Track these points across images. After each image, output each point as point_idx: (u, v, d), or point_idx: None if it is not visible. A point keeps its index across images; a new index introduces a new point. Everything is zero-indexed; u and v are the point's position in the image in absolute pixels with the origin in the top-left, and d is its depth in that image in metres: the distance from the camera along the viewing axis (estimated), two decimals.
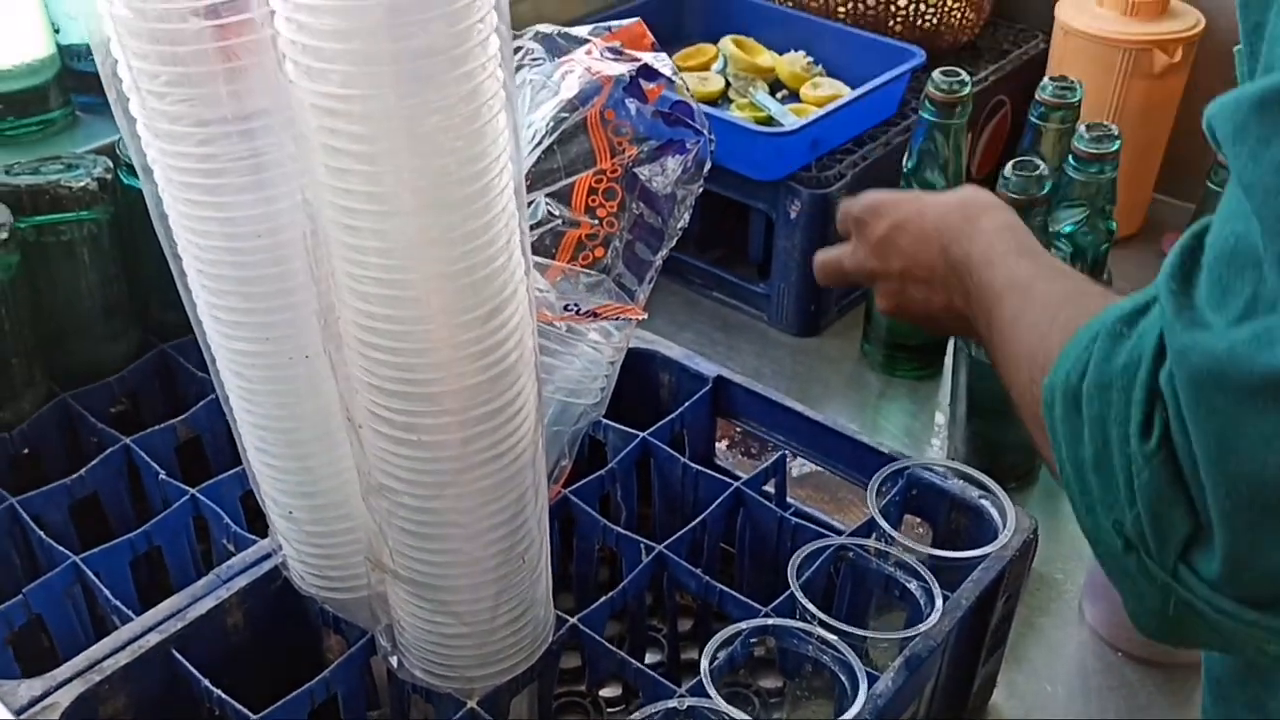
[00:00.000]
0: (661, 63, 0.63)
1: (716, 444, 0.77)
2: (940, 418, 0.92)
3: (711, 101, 1.03)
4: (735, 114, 0.99)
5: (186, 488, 0.67)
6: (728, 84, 1.05)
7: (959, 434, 0.85)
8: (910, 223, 0.62)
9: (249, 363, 0.51)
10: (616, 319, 0.61)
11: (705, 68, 1.06)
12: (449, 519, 0.49)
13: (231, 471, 0.67)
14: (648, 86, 0.63)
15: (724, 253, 1.06)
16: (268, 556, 0.61)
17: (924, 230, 0.61)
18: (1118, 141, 0.78)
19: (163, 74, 0.44)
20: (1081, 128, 0.79)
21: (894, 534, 0.62)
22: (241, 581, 0.60)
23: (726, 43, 1.06)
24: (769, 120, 0.99)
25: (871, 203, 0.65)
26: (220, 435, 0.72)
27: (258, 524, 0.62)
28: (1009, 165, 0.74)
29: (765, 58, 1.05)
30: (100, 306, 0.74)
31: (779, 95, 1.04)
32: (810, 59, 1.05)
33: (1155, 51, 0.98)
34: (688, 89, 0.63)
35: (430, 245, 0.43)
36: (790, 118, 0.97)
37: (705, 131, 0.63)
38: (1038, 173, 0.73)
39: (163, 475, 0.68)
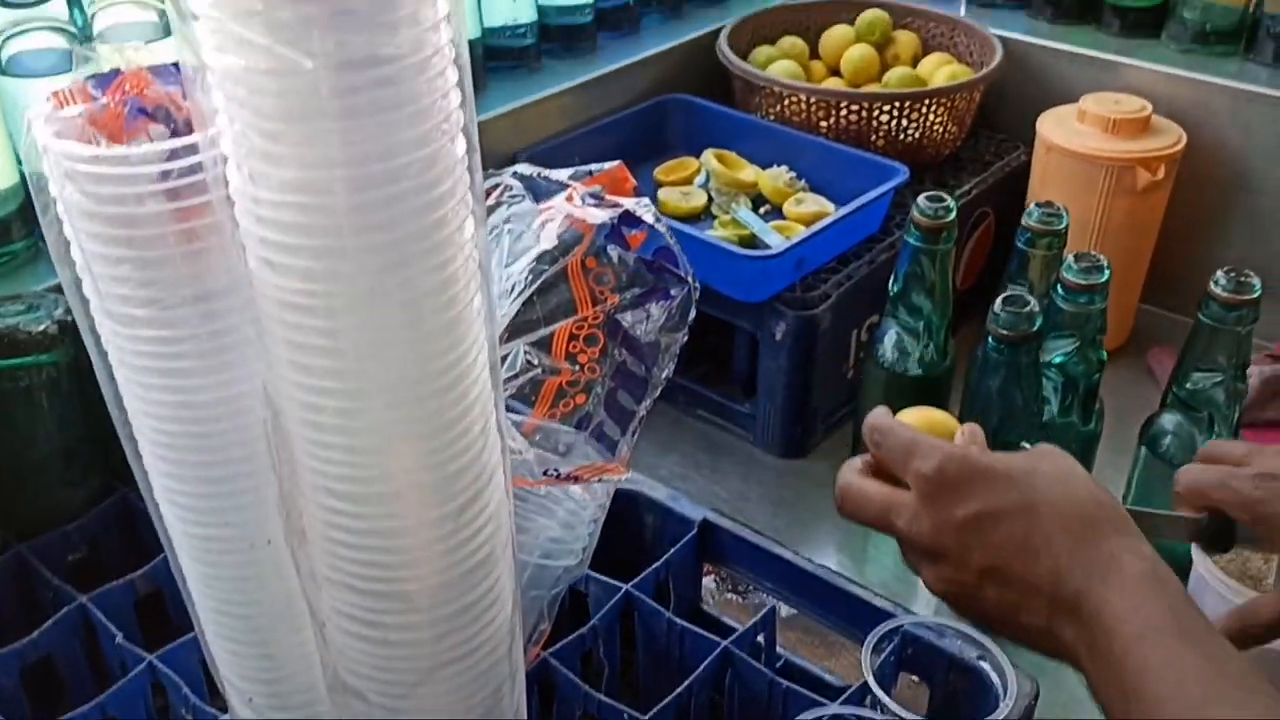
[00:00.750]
0: (644, 209, 0.61)
1: (704, 579, 0.74)
2: None
3: (694, 218, 1.01)
4: (719, 232, 0.98)
5: (144, 654, 0.63)
6: (710, 199, 1.03)
7: None
8: (1013, 519, 0.49)
9: (207, 548, 0.48)
10: (598, 479, 0.58)
11: (688, 182, 1.05)
12: (421, 719, 0.46)
13: (192, 634, 0.64)
14: (630, 233, 0.61)
15: (708, 369, 1.04)
16: None
17: (1031, 537, 0.48)
18: (1107, 272, 0.77)
19: (118, 257, 0.42)
20: (1070, 257, 0.77)
21: (890, 704, 0.59)
22: None
23: (709, 157, 1.05)
24: (752, 239, 0.97)
25: (957, 470, 0.51)
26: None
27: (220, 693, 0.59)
28: (998, 300, 0.72)
29: (748, 172, 1.04)
30: (58, 451, 0.71)
31: (762, 211, 1.02)
32: (793, 174, 1.04)
33: (1138, 169, 0.97)
34: (673, 235, 0.62)
35: (402, 440, 0.41)
36: (774, 236, 0.96)
37: (690, 280, 0.61)
38: (1028, 309, 0.71)
39: (120, 639, 0.64)
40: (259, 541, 0.47)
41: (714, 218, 1.02)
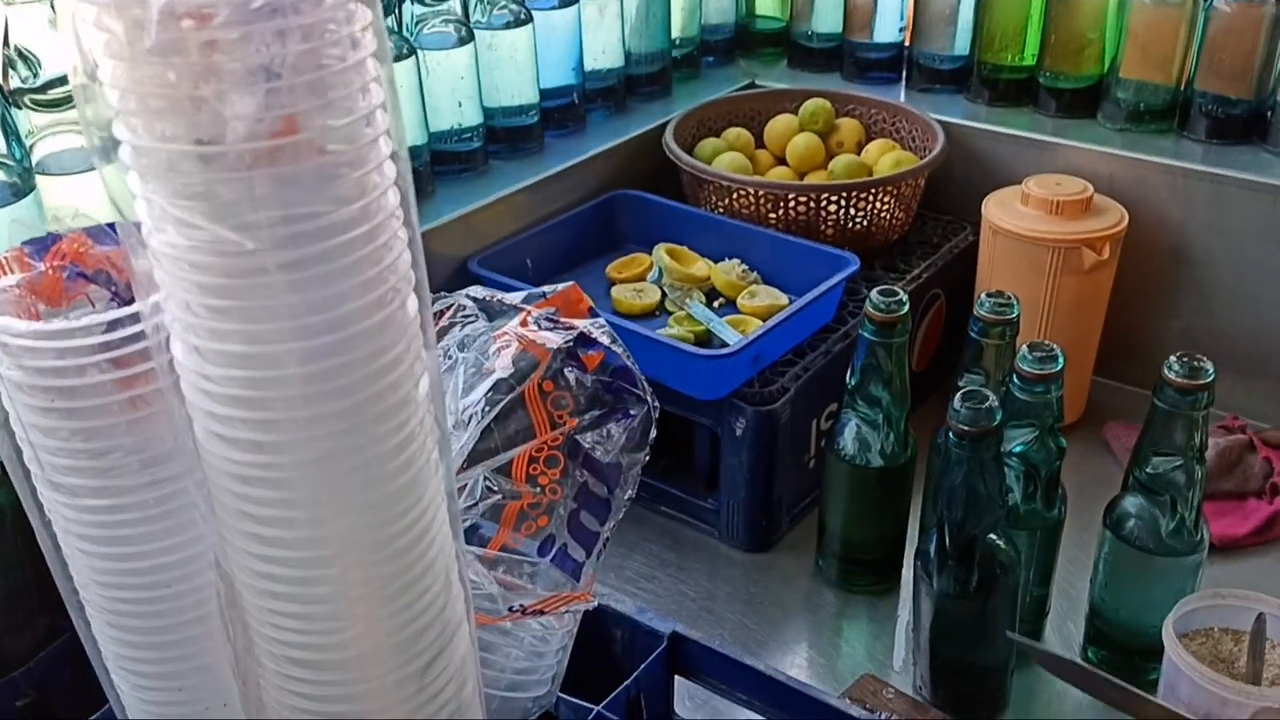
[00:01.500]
0: (599, 329, 0.61)
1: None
2: (900, 640, 0.89)
3: (649, 315, 1.01)
4: (674, 330, 0.98)
5: None
6: (664, 295, 1.03)
7: (923, 662, 0.81)
8: None
9: (162, 713, 0.46)
10: (564, 610, 0.57)
11: (640, 278, 1.05)
12: None
13: None
14: (586, 354, 0.61)
15: (669, 462, 1.03)
16: None
17: None
18: (1061, 360, 0.77)
19: (59, 428, 0.40)
20: (1024, 348, 0.78)
21: None
22: None
23: (660, 252, 1.05)
24: (708, 335, 0.97)
25: None
26: None
27: None
28: (956, 397, 0.73)
29: (700, 266, 1.05)
30: (2, 595, 0.68)
31: (716, 305, 1.03)
32: (745, 266, 1.04)
33: (1084, 249, 0.99)
34: (630, 355, 0.61)
35: (361, 605, 0.39)
36: (730, 333, 0.96)
37: (649, 399, 0.60)
38: (987, 405, 0.72)
39: None
40: (213, 705, 0.46)
41: (669, 314, 1.02)
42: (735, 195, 1.06)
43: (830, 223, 1.05)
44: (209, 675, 0.45)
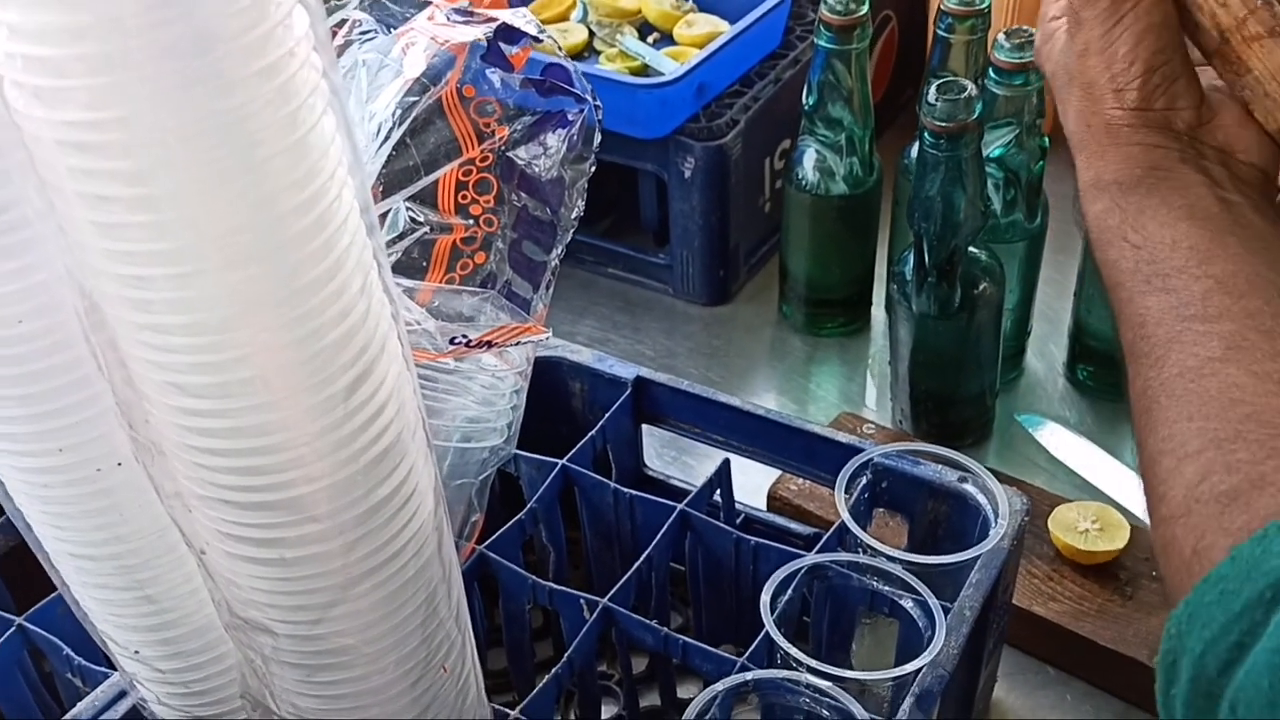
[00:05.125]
0: (523, 20, 0.51)
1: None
2: (873, 380, 0.84)
3: (576, 55, 0.91)
4: (605, 67, 0.88)
5: (12, 616, 0.54)
6: (591, 34, 0.93)
7: (903, 394, 0.76)
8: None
9: (44, 480, 0.39)
10: (516, 342, 0.50)
11: (564, 18, 0.94)
12: (341, 644, 0.38)
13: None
14: (511, 51, 0.51)
15: (613, 222, 0.95)
16: (122, 694, 0.49)
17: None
18: None
19: None
20: (1000, 35, 0.70)
21: (873, 543, 0.53)
22: None
23: None
24: (644, 70, 0.88)
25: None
26: None
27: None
28: (931, 89, 0.65)
29: None
30: None
31: (650, 39, 0.93)
32: None
33: None
34: (559, 47, 0.52)
35: (256, 308, 0.32)
36: (668, 64, 0.87)
37: (590, 97, 0.52)
38: (966, 95, 0.64)
39: None
40: (105, 464, 0.38)
41: (598, 53, 0.92)
42: None
43: None
44: (94, 428, 0.37)
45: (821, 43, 0.75)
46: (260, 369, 0.32)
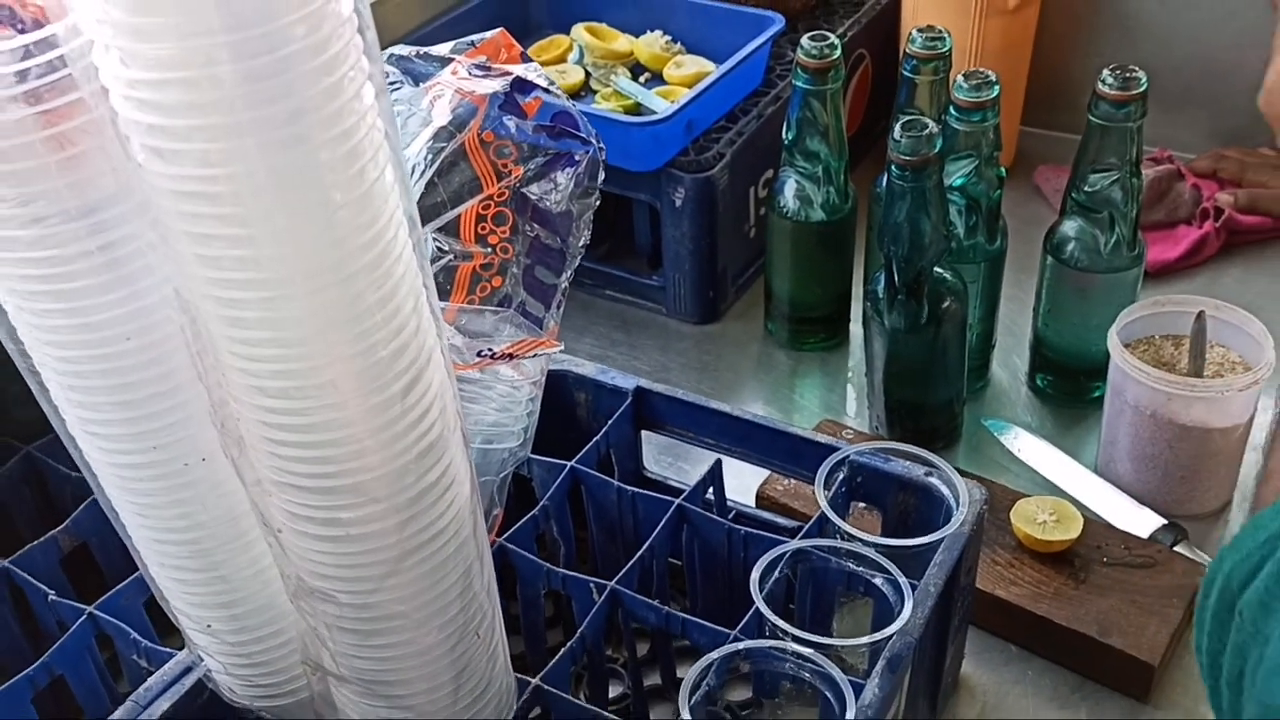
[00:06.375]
0: (534, 73, 0.59)
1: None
2: (853, 390, 0.91)
3: (574, 95, 0.99)
4: (601, 105, 0.95)
5: (82, 606, 0.60)
6: (587, 74, 1.00)
7: (879, 403, 0.83)
8: None
9: (137, 475, 0.45)
10: (533, 354, 0.57)
11: (561, 60, 1.02)
12: (393, 611, 0.45)
13: (131, 578, 0.61)
14: (524, 101, 0.59)
15: (610, 247, 1.02)
16: (189, 670, 0.55)
17: None
18: (996, 87, 0.77)
19: None
20: (959, 77, 0.77)
21: (849, 529, 0.59)
22: (164, 704, 0.54)
23: (580, 31, 1.02)
24: (637, 108, 0.95)
25: None
26: (110, 538, 0.65)
27: (172, 630, 0.56)
28: (897, 127, 0.72)
29: (622, 41, 1.02)
30: None
31: (642, 79, 1.00)
32: (668, 37, 1.01)
33: None
34: (567, 98, 0.59)
35: (330, 326, 0.38)
36: (659, 102, 0.94)
37: (594, 140, 0.59)
38: (927, 131, 0.71)
39: (53, 596, 0.61)
40: (192, 460, 0.45)
41: (594, 93, 0.99)
42: None
43: None
44: (183, 429, 0.44)
45: (799, 83, 0.82)
46: (331, 375, 0.39)
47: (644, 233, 0.98)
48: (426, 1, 1.03)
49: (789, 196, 0.87)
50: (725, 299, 0.98)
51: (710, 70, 0.96)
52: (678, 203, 0.91)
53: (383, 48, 0.93)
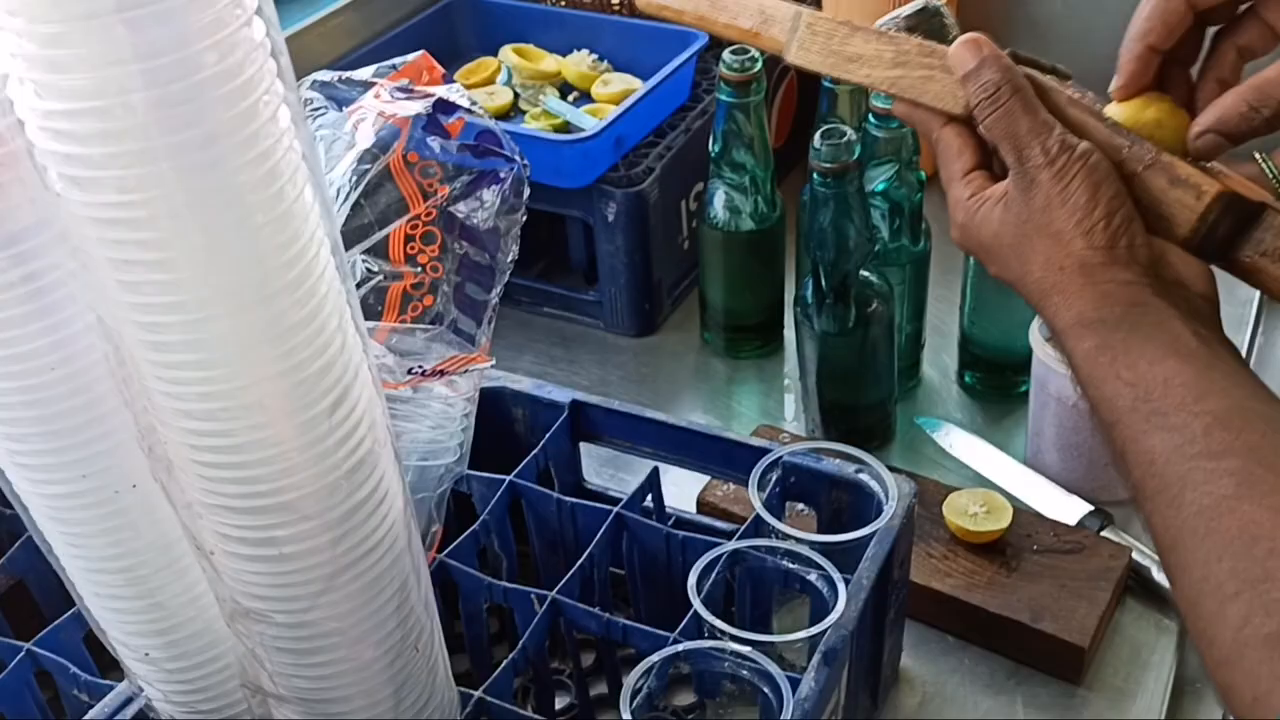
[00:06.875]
0: (457, 94, 0.60)
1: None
2: (789, 395, 0.92)
3: (503, 116, 1.00)
4: (530, 125, 0.96)
5: (20, 643, 0.60)
6: (516, 95, 1.02)
7: (813, 405, 0.85)
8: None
9: (67, 505, 0.45)
10: (464, 371, 0.57)
11: (490, 82, 1.03)
12: (329, 628, 0.45)
13: (69, 613, 0.61)
14: (447, 121, 0.60)
15: (546, 265, 1.03)
16: (129, 701, 0.55)
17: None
18: None
19: None
20: (875, 102, 0.79)
21: (783, 528, 0.61)
22: None
23: (507, 52, 1.03)
24: (566, 126, 0.96)
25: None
26: (47, 575, 0.64)
27: (113, 665, 0.56)
28: (817, 136, 0.74)
29: (549, 61, 1.03)
30: None
31: (571, 98, 1.01)
32: (595, 56, 1.03)
33: None
34: (487, 115, 0.60)
35: (254, 346, 0.39)
36: (588, 120, 0.95)
37: (517, 157, 0.60)
38: (846, 139, 0.73)
39: None
40: (122, 487, 0.45)
41: (523, 113, 1.01)
42: None
43: None
44: (112, 457, 0.44)
45: (722, 97, 0.84)
46: (257, 395, 0.40)
47: (579, 249, 0.99)
48: (353, 28, 1.04)
49: (718, 207, 0.89)
50: (661, 311, 0.99)
51: (637, 87, 0.98)
52: (610, 218, 0.92)
53: (307, 74, 0.94)
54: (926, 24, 0.55)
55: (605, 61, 1.03)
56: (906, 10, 0.56)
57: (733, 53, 0.83)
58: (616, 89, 0.99)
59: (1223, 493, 0.41)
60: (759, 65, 0.83)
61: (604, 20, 1.04)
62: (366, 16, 1.04)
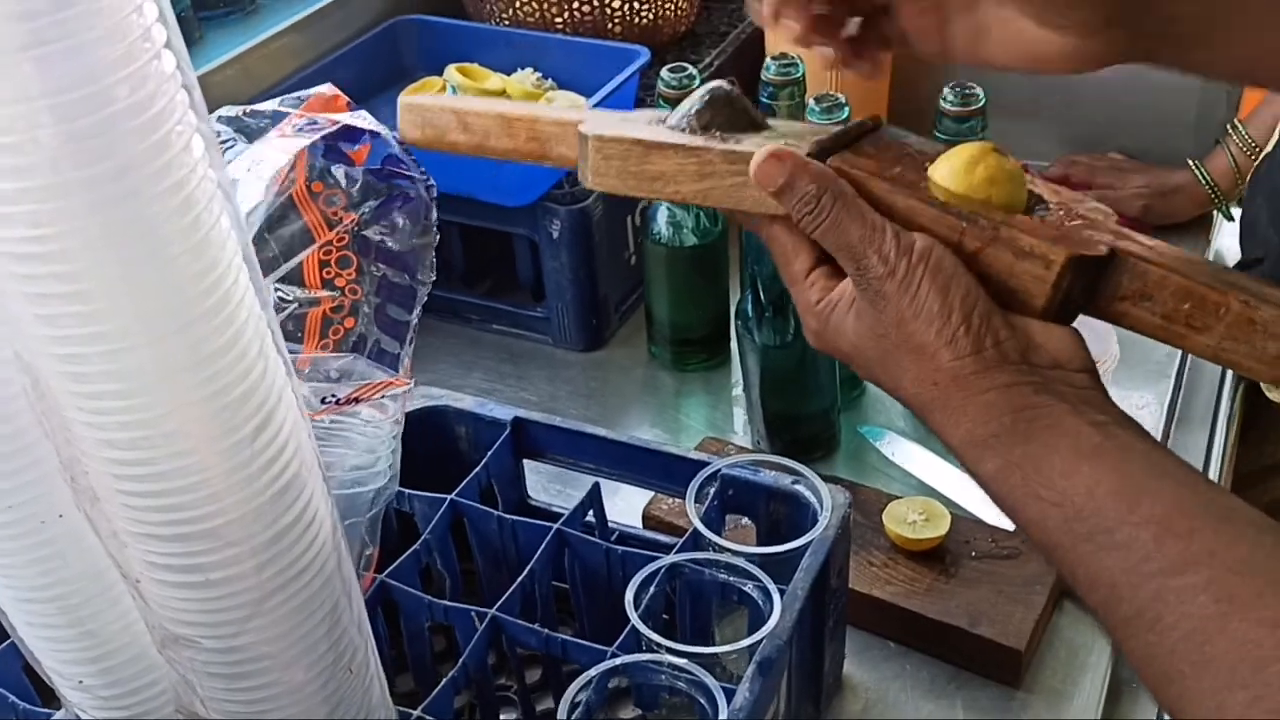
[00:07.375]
0: (363, 120, 0.60)
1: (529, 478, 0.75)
2: (737, 408, 0.93)
3: None
4: None
5: None
6: None
7: (757, 417, 0.86)
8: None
9: None
10: (381, 396, 0.58)
11: None
12: (260, 652, 0.45)
13: (6, 643, 0.60)
14: (352, 149, 0.60)
15: (494, 282, 1.04)
16: None
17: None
18: (847, 109, 0.81)
19: None
20: (811, 101, 0.81)
21: (719, 541, 0.62)
22: None
23: (452, 72, 1.03)
24: None
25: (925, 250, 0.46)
26: None
27: (54, 694, 0.56)
28: None
29: (494, 80, 1.04)
30: None
31: None
32: (539, 74, 1.04)
33: None
34: (395, 139, 0.61)
35: (175, 374, 0.39)
36: None
37: (423, 178, 0.61)
38: None
39: None
40: (49, 517, 0.45)
41: None
42: (519, 4, 1.05)
43: (617, 19, 1.05)
44: (37, 488, 0.44)
45: None
46: (179, 422, 0.40)
47: (525, 266, 1.00)
48: (298, 49, 1.04)
49: (662, 223, 0.90)
50: (609, 326, 1.00)
51: (581, 105, 0.99)
52: (555, 235, 0.93)
53: (252, 99, 0.94)
54: (722, 114, 0.51)
55: (549, 80, 1.04)
56: (695, 104, 0.51)
57: (670, 70, 0.84)
58: (561, 107, 1.00)
59: (1204, 613, 0.38)
60: (696, 82, 0.84)
61: (548, 39, 1.04)
62: (312, 38, 1.05)
